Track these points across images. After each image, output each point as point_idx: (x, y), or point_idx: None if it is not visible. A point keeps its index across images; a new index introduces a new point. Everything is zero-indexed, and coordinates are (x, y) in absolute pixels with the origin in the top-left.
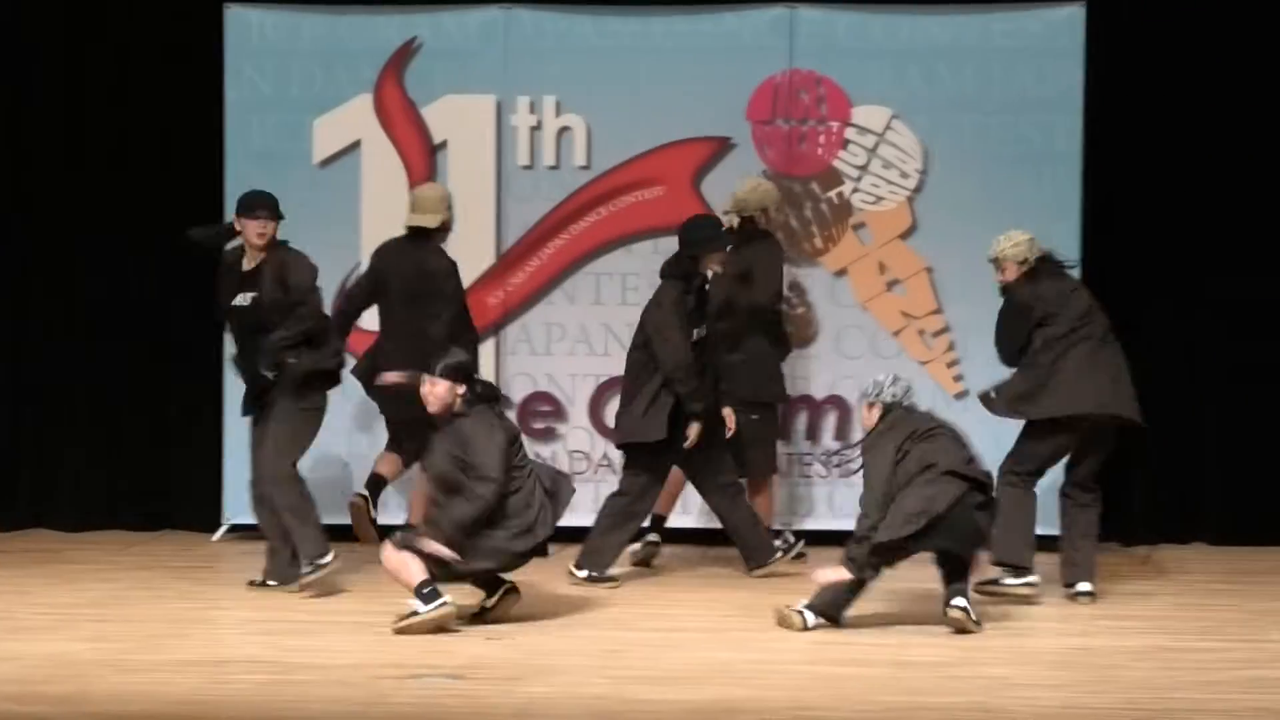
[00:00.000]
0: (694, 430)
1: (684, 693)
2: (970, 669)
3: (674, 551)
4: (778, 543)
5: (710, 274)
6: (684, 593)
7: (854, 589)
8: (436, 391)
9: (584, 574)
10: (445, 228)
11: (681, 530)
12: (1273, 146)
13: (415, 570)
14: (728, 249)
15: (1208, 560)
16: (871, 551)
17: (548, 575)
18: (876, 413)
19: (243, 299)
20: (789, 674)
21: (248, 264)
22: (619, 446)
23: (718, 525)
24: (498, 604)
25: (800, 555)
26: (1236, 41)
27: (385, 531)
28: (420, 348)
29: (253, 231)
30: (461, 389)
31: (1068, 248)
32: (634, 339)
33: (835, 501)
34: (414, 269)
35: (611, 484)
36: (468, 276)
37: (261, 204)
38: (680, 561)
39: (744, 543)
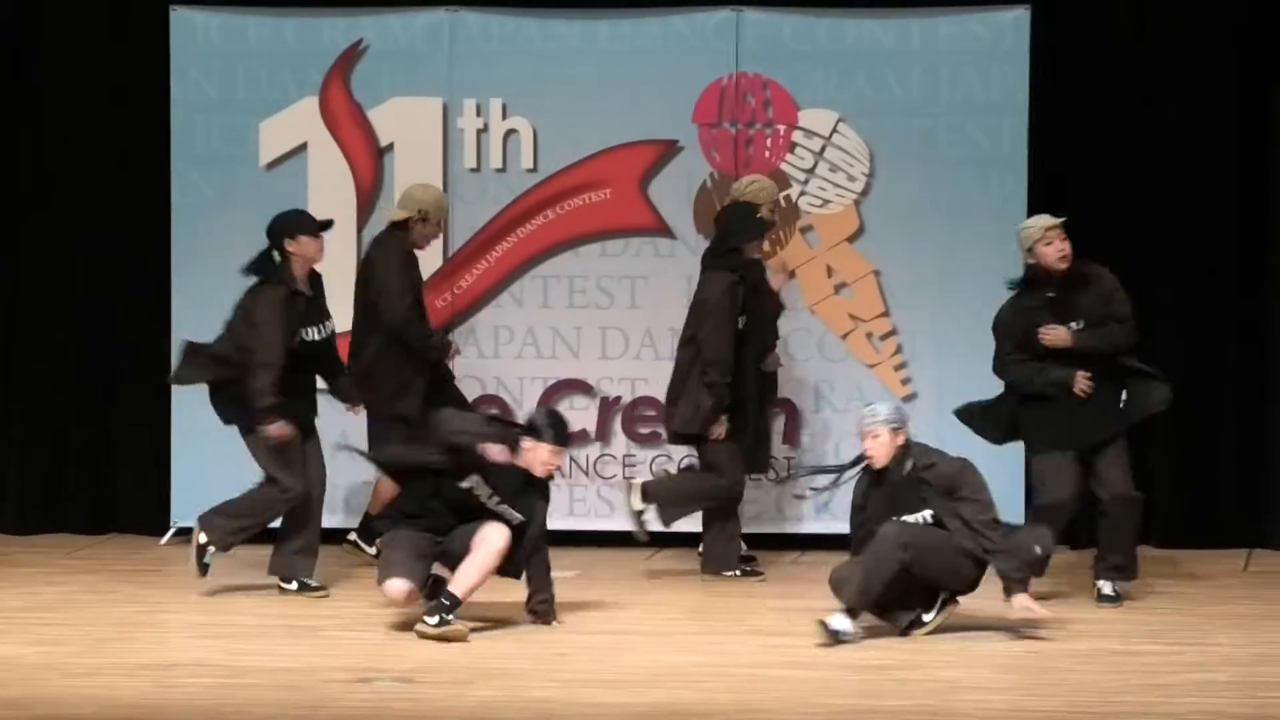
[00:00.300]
0: (715, 427)
1: (633, 695)
2: (919, 672)
3: (620, 555)
4: (738, 571)
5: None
6: (632, 596)
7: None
8: (555, 462)
9: (646, 507)
10: (412, 224)
11: (627, 533)
12: (1219, 150)
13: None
14: (765, 233)
15: (1155, 563)
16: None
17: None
18: (902, 438)
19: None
20: (738, 677)
21: (307, 289)
22: (675, 437)
23: (659, 529)
24: None
25: (757, 574)
26: (1181, 44)
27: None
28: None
29: (318, 249)
30: None
31: (1013, 251)
32: (683, 334)
33: (783, 505)
34: (363, 268)
35: (558, 486)
36: None
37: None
38: (627, 565)
39: (711, 545)
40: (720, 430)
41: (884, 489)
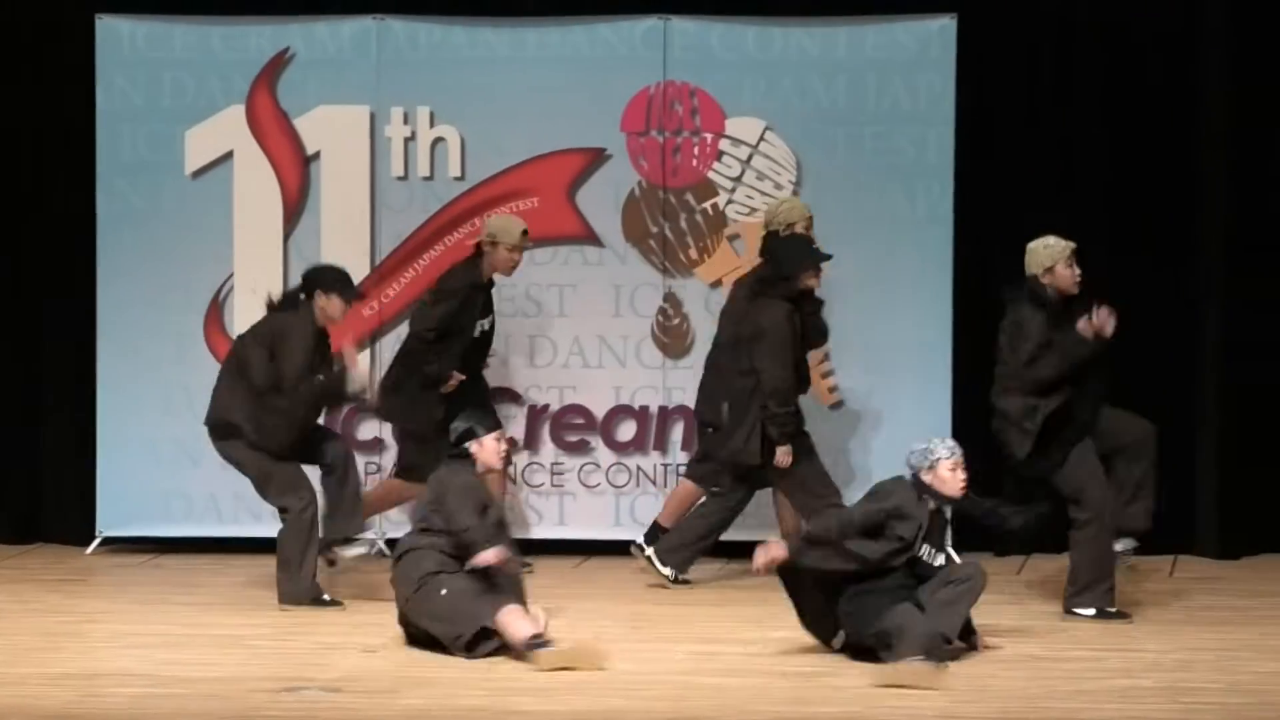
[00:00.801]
0: (781, 454)
1: (564, 703)
2: (848, 679)
3: (550, 563)
4: (670, 572)
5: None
6: (563, 604)
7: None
8: (502, 446)
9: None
10: (485, 248)
11: (559, 541)
12: (1147, 155)
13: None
14: (822, 264)
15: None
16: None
17: None
18: None
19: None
20: (670, 684)
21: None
22: (731, 466)
23: (591, 536)
24: None
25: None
26: (1107, 50)
27: None
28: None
29: (342, 314)
30: None
31: (940, 259)
32: (738, 363)
33: None
34: None
35: None
36: None
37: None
38: (556, 573)
39: (678, 535)
40: (787, 459)
41: (938, 524)
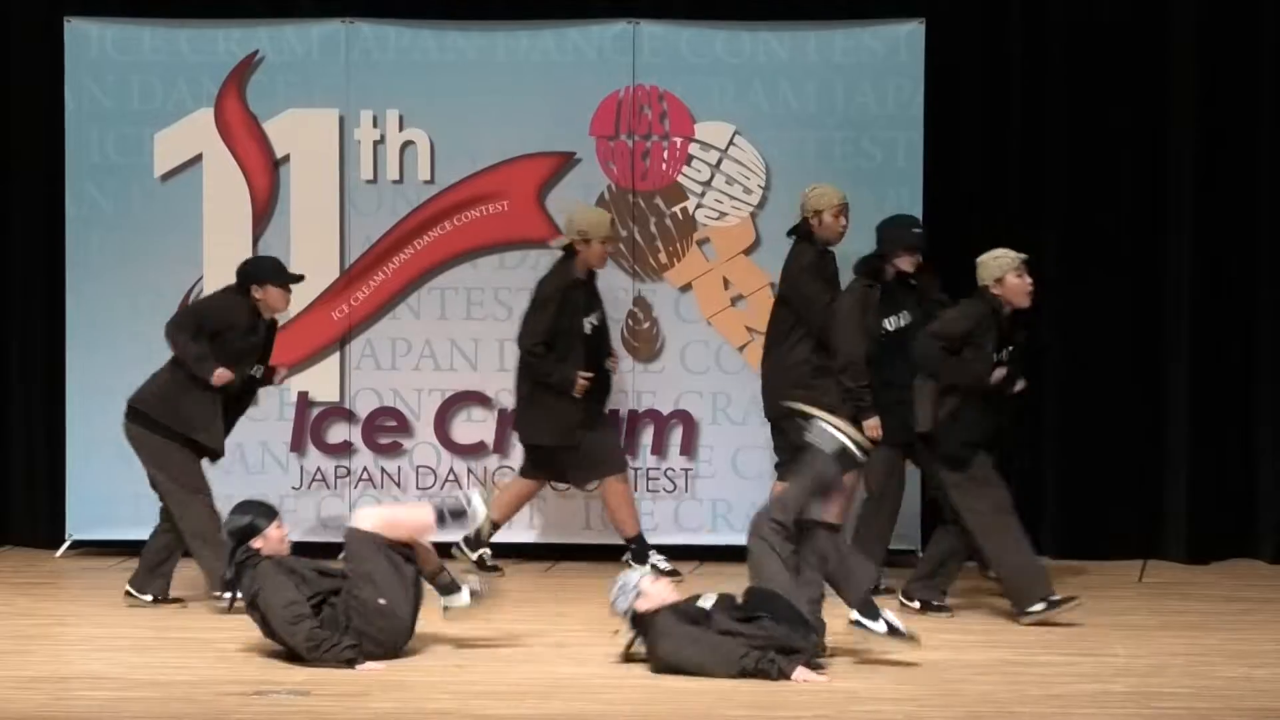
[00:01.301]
0: (869, 426)
1: (531, 707)
2: (812, 684)
3: (520, 566)
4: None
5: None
6: (530, 607)
7: None
8: (284, 533)
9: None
10: (577, 246)
11: (525, 545)
12: (1114, 158)
13: None
14: (916, 248)
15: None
16: None
17: None
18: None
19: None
20: (636, 688)
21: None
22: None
23: (561, 540)
24: None
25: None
26: (1074, 53)
27: None
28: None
29: (284, 301)
30: None
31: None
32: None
33: (680, 516)
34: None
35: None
36: (311, 291)
37: None
38: (527, 577)
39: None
40: (878, 430)
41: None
